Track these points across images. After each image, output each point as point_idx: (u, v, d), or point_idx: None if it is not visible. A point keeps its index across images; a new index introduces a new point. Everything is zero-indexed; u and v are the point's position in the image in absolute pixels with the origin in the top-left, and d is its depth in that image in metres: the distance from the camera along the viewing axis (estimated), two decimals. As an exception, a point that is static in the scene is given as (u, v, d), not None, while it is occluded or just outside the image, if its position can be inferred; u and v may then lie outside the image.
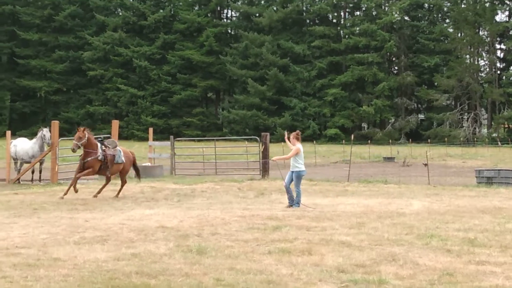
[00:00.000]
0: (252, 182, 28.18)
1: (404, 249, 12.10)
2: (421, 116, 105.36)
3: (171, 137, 36.81)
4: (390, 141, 75.26)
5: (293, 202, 19.47)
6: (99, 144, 22.67)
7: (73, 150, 22.65)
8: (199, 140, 61.05)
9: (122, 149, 23.82)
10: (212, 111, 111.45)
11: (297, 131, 21.08)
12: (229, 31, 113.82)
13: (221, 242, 12.77)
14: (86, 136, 22.31)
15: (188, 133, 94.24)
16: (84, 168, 22.50)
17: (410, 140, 78.33)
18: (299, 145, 19.84)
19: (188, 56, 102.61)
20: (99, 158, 22.48)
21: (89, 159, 22.34)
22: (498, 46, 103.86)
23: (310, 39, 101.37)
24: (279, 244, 12.52)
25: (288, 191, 19.63)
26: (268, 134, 33.18)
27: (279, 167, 23.67)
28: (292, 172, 19.73)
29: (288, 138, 20.30)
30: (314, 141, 68.31)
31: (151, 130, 40.62)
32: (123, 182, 23.68)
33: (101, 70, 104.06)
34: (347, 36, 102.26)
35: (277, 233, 13.96)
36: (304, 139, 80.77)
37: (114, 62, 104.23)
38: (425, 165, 33.95)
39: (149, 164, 35.58)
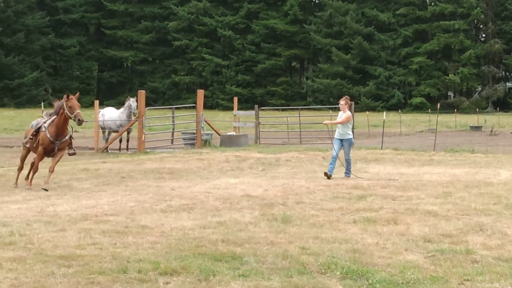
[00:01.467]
0: (336, 151, 27.99)
1: (491, 219, 11.94)
2: (509, 84, 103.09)
3: (256, 106, 36.88)
4: (477, 110, 73.96)
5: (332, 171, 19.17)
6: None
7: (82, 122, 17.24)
8: (283, 109, 61.19)
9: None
10: (296, 80, 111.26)
11: (347, 96, 20.65)
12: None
13: (306, 211, 12.80)
14: None
15: (272, 102, 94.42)
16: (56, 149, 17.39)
17: (498, 108, 76.78)
18: (349, 112, 19.59)
19: (272, 25, 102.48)
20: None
21: (64, 139, 17.38)
22: None
23: (395, 7, 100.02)
24: (364, 213, 12.50)
25: (334, 162, 19.23)
26: (352, 103, 32.84)
27: (331, 136, 23.18)
28: (341, 140, 19.47)
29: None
30: (399, 110, 67.72)
31: (235, 99, 40.86)
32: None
33: (186, 40, 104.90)
34: (433, 4, 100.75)
35: (362, 202, 13.94)
36: (389, 108, 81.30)
37: (198, 32, 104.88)
38: (514, 134, 33.37)
39: (234, 133, 35.79)
